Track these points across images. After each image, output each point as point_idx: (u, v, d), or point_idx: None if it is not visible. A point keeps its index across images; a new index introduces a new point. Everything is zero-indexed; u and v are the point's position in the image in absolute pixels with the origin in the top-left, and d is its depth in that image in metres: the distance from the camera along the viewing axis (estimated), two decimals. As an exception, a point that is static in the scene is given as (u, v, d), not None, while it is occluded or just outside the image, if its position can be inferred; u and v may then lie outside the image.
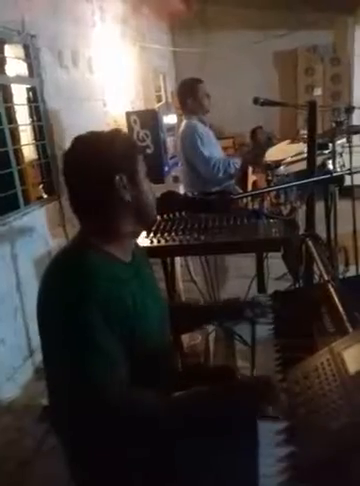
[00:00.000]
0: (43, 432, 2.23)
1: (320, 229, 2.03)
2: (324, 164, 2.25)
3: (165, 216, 1.99)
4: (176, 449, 1.02)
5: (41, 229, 2.98)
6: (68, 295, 0.99)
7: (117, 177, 1.07)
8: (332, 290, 1.30)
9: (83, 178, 1.09)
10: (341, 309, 1.19)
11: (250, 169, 5.85)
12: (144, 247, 1.58)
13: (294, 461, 0.83)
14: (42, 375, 2.76)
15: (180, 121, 4.54)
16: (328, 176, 1.51)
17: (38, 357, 2.80)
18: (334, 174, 1.51)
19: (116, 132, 1.16)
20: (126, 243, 1.16)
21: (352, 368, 0.86)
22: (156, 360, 1.17)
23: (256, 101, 2.32)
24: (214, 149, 3.03)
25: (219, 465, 1.03)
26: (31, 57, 3.02)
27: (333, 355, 0.93)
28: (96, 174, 1.07)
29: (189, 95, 3.01)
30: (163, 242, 1.82)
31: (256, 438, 0.92)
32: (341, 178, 1.68)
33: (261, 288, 2.19)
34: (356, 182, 2.37)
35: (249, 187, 5.99)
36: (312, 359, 0.97)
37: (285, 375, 1.03)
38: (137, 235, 1.24)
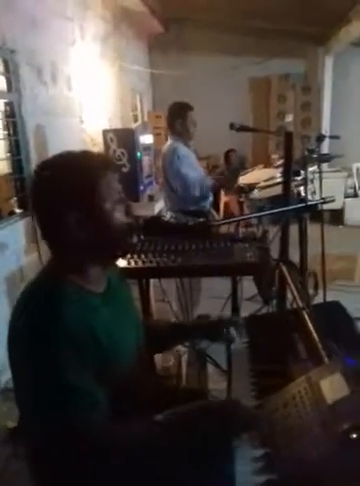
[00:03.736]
0: (8, 455, 2.15)
1: (291, 252, 2.08)
2: (299, 192, 2.33)
3: (141, 237, 2.00)
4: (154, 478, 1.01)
5: (13, 245, 2.93)
6: (35, 333, 0.95)
7: (69, 218, 1.01)
8: (306, 317, 1.34)
9: (38, 214, 1.05)
10: (316, 336, 1.22)
11: (222, 191, 5.97)
12: (121, 268, 1.57)
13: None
14: (7, 396, 2.68)
15: (159, 141, 4.59)
16: (304, 205, 1.56)
17: (3, 377, 2.71)
18: (309, 203, 1.56)
19: (83, 158, 1.08)
20: (97, 274, 1.10)
21: (329, 398, 0.88)
22: (132, 385, 1.14)
23: (232, 127, 2.38)
24: (194, 171, 3.09)
25: None
26: (10, 72, 3.00)
27: (310, 384, 0.95)
28: (48, 213, 1.04)
29: (178, 118, 3.09)
30: (140, 263, 1.82)
31: (233, 466, 0.92)
32: (315, 206, 1.74)
33: (235, 309, 2.22)
34: (325, 207, 2.46)
35: (221, 208, 6.12)
36: (290, 387, 0.99)
37: (263, 402, 1.04)
38: (107, 266, 1.15)
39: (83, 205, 1.02)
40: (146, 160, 4.43)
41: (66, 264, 1.07)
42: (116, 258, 1.19)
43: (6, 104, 3.04)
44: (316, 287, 3.27)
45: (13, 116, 3.06)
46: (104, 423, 0.98)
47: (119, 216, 1.07)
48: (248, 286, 2.68)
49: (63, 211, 1.01)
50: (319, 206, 1.95)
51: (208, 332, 1.46)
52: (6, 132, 3.14)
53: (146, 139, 4.52)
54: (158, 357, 2.28)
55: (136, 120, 6.35)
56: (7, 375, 2.69)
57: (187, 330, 1.53)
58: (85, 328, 0.99)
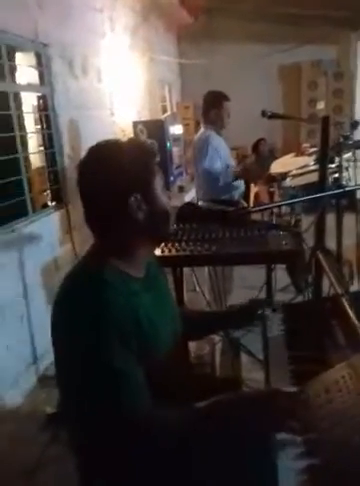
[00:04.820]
0: (47, 441, 2.21)
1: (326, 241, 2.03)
2: (336, 178, 2.28)
3: (176, 225, 2.00)
4: (194, 463, 1.01)
5: (48, 236, 2.98)
6: (83, 319, 0.96)
7: (131, 198, 1.04)
8: (346, 304, 1.31)
9: (95, 196, 1.06)
10: (356, 323, 1.20)
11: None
12: (156, 256, 1.58)
13: (315, 474, 0.84)
14: (46, 383, 2.75)
15: (189, 132, 4.55)
16: (342, 190, 1.52)
17: (42, 365, 2.79)
18: (347, 188, 1.52)
19: (133, 144, 1.13)
20: (139, 259, 1.13)
21: (374, 383, 0.87)
22: (167, 373, 1.13)
23: (264, 114, 2.35)
24: (225, 160, 3.07)
25: (236, 477, 1.02)
26: (43, 65, 3.04)
27: (353, 369, 0.93)
28: (109, 195, 1.04)
29: (214, 106, 3.09)
30: (174, 252, 1.83)
31: (274, 450, 0.92)
32: (353, 191, 1.70)
33: (269, 299, 2.20)
34: (358, 196, 2.40)
35: (251, 199, 6.05)
36: (331, 373, 0.98)
37: (302, 388, 1.03)
38: (151, 251, 1.23)
39: (143, 187, 1.06)
40: (176, 151, 4.44)
41: (111, 248, 1.09)
42: (162, 241, 1.32)
43: (39, 98, 3.09)
44: (351, 276, 3.20)
45: (46, 109, 3.10)
46: (150, 408, 0.99)
47: (166, 200, 1.13)
48: (281, 276, 2.66)
49: (127, 193, 1.04)
50: (357, 192, 1.91)
51: (242, 316, 1.47)
52: (39, 126, 3.19)
53: (175, 130, 4.52)
54: (192, 345, 2.28)
55: (165, 111, 6.34)
56: (45, 362, 2.77)
57: (221, 319, 1.54)
58: (129, 312, 1.00)
